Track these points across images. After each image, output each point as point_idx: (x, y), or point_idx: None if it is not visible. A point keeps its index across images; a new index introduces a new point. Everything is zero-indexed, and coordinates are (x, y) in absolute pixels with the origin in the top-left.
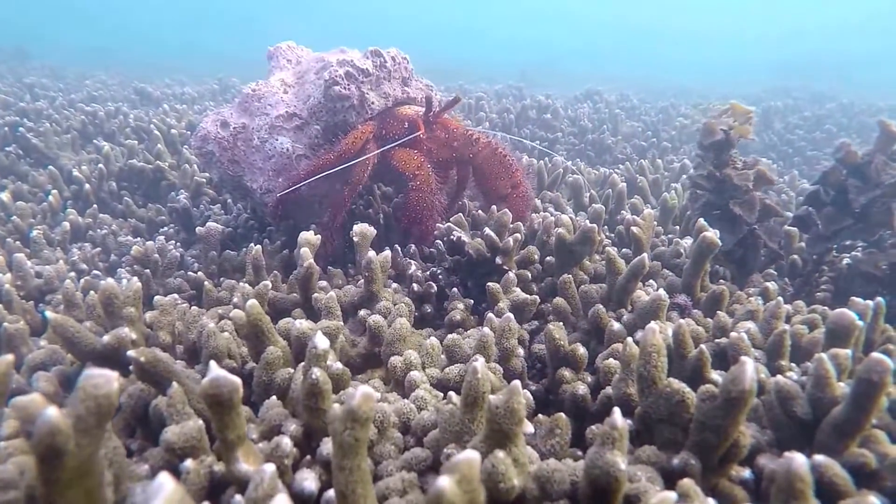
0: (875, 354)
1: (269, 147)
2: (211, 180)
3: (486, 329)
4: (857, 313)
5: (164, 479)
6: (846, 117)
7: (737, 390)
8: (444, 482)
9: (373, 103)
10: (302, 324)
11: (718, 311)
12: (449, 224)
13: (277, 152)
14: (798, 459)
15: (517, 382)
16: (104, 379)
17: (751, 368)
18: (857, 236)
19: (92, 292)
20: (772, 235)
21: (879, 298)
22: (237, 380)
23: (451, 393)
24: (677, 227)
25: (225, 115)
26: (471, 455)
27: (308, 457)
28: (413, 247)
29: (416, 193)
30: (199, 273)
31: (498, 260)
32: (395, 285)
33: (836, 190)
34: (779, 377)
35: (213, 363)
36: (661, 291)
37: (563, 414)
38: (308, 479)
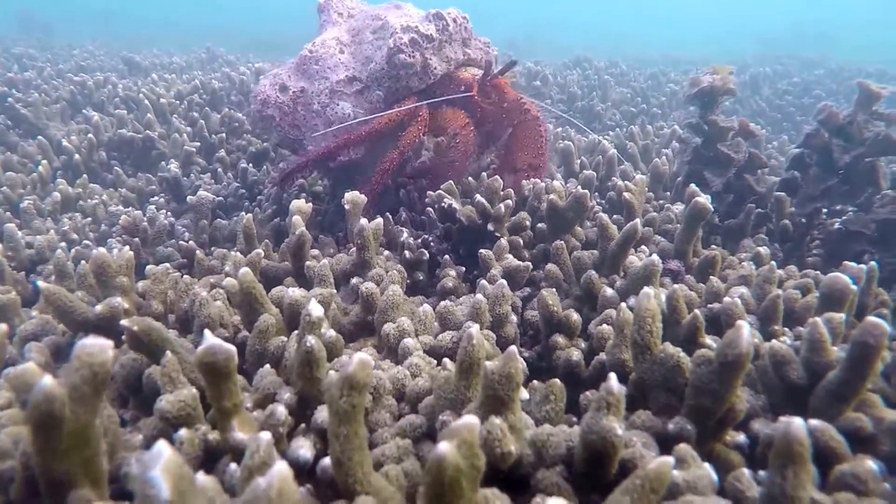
0: (872, 318)
1: (331, 112)
2: (283, 155)
3: (479, 296)
4: (851, 277)
5: (162, 446)
6: (835, 83)
7: (733, 354)
8: (445, 447)
9: (435, 69)
10: (295, 292)
11: (711, 277)
12: (440, 191)
13: (339, 117)
14: (796, 423)
15: (513, 348)
16: (99, 347)
17: (747, 331)
18: (845, 197)
19: (83, 262)
20: (758, 182)
21: (873, 262)
22: (232, 347)
23: (446, 360)
24: (668, 193)
25: (283, 77)
26: (470, 420)
27: (303, 425)
28: (405, 214)
29: (454, 151)
30: (191, 242)
31: (490, 227)
32: (386, 253)
33: (819, 152)
34: (773, 342)
35: (207, 332)
36: (655, 257)
37: (557, 380)
38: (303, 448)
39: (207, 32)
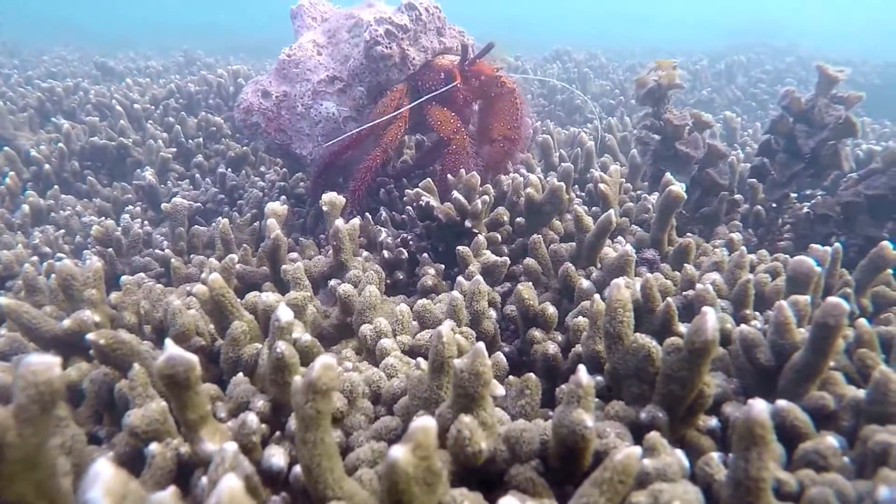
0: (831, 298)
1: (315, 113)
2: (256, 150)
3: (455, 293)
4: (815, 259)
5: (101, 466)
6: (805, 70)
7: (700, 341)
8: (397, 452)
9: (414, 59)
10: (269, 296)
11: (685, 264)
12: (417, 189)
13: (324, 117)
14: (757, 406)
15: (481, 344)
16: (45, 364)
17: (712, 318)
18: (812, 181)
19: (54, 276)
20: (721, 175)
21: (837, 244)
22: (193, 357)
23: (420, 359)
24: (645, 183)
25: (264, 83)
26: (426, 422)
27: (278, 433)
28: (384, 213)
29: (453, 157)
30: (167, 250)
31: (467, 223)
32: (365, 253)
33: (785, 137)
34: (742, 326)
35: (169, 341)
36: (628, 247)
37: (532, 374)
38: (276, 455)
39: (187, 33)
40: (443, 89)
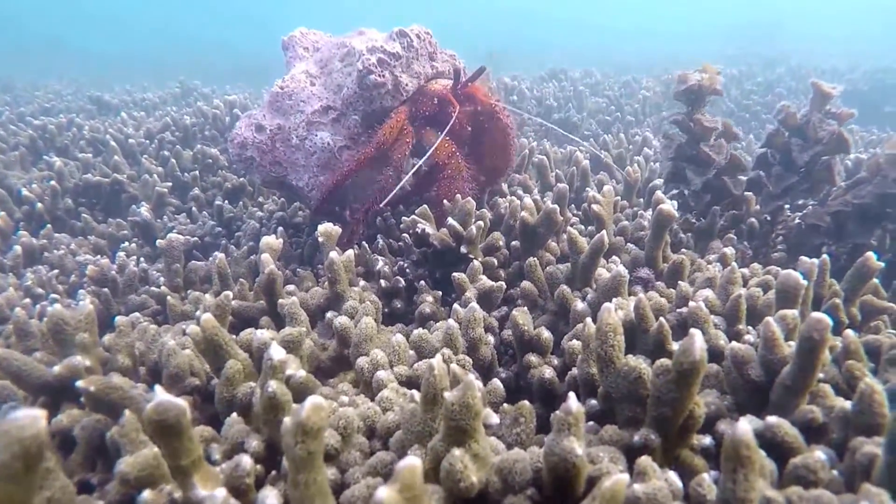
0: (815, 313)
1: (310, 144)
2: (260, 189)
3: (451, 321)
4: (805, 272)
5: None
6: (795, 80)
7: (688, 362)
8: (383, 493)
9: (406, 85)
10: (263, 334)
11: (680, 281)
12: (413, 216)
13: (319, 147)
14: (741, 427)
15: (470, 377)
16: (30, 419)
17: (700, 340)
18: (807, 195)
19: (45, 319)
20: (736, 185)
21: (825, 256)
22: (183, 403)
23: (413, 392)
24: (641, 200)
25: (258, 117)
26: (412, 462)
27: (273, 472)
28: (381, 241)
29: (448, 182)
30: (163, 288)
31: (463, 249)
32: (363, 283)
33: (781, 151)
34: (733, 343)
35: (158, 388)
36: (620, 268)
37: (526, 402)
38: (270, 497)
39: (183, 64)
40: (450, 123)
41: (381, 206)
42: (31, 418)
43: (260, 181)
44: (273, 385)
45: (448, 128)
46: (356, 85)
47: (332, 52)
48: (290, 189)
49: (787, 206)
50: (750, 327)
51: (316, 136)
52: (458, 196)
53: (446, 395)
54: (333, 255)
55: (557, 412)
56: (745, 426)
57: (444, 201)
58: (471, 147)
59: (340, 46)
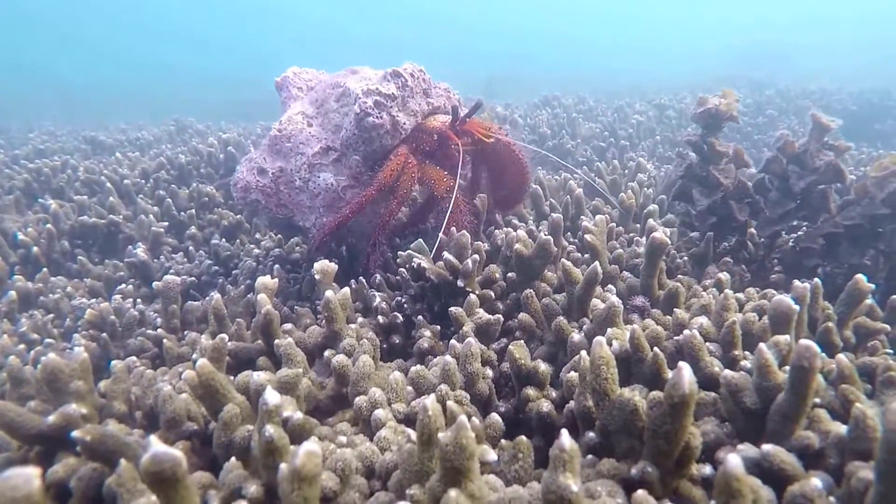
0: (803, 341)
1: (314, 185)
2: (257, 225)
3: (447, 357)
4: (798, 297)
5: None
6: (784, 101)
7: (678, 395)
8: None
9: (404, 124)
10: (259, 376)
11: (675, 309)
12: (409, 251)
13: (323, 188)
14: (731, 461)
15: (463, 417)
16: (24, 478)
17: (688, 373)
18: (803, 220)
19: (39, 367)
20: (741, 211)
21: (816, 280)
22: (178, 454)
23: (410, 431)
24: (637, 226)
25: (258, 160)
26: None
27: None
28: (378, 277)
29: (449, 216)
30: (159, 330)
31: (460, 283)
32: (361, 319)
33: (778, 177)
34: (726, 371)
35: (153, 438)
36: (614, 298)
37: (524, 438)
38: None
39: (177, 97)
40: (460, 163)
41: (380, 237)
42: (25, 478)
43: (266, 223)
44: (270, 430)
45: (454, 164)
46: (355, 127)
47: (326, 91)
48: (297, 230)
49: (784, 231)
50: (747, 352)
51: (319, 177)
52: (454, 229)
53: (440, 436)
54: (329, 293)
55: (552, 449)
56: (736, 460)
57: (441, 234)
58: (474, 178)
59: (335, 86)
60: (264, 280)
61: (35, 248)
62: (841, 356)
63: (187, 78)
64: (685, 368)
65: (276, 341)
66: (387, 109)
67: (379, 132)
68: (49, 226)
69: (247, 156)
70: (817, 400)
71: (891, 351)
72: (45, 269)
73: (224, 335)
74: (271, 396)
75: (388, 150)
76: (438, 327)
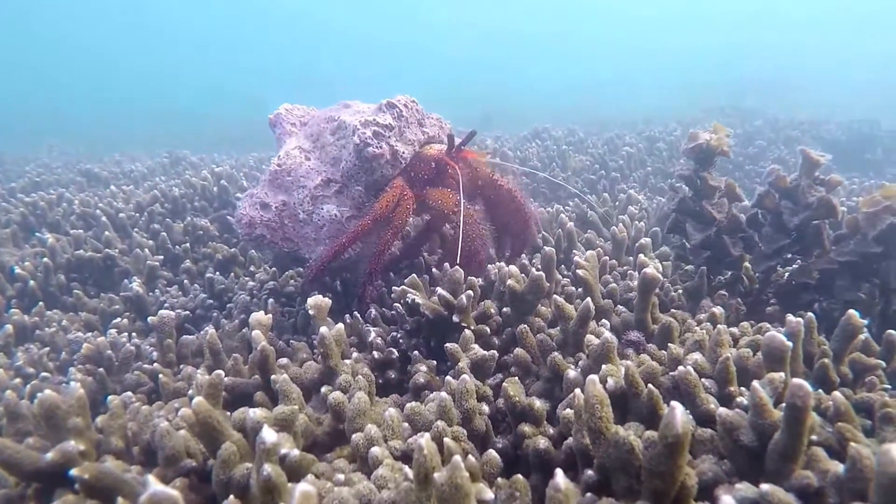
0: (795, 380)
1: (318, 217)
2: (252, 258)
3: (443, 394)
4: (791, 332)
5: None
6: (773, 132)
7: (672, 435)
8: None
9: (403, 153)
10: (256, 413)
11: (670, 344)
12: (404, 287)
13: (327, 220)
14: (727, 502)
15: (457, 458)
16: None
17: (680, 413)
18: (797, 255)
19: (36, 402)
20: (734, 246)
21: (810, 314)
22: (175, 494)
23: (407, 469)
24: (630, 258)
25: (260, 195)
26: None
27: None
28: (374, 311)
29: (461, 230)
30: (155, 365)
31: (455, 318)
32: (356, 354)
33: (771, 212)
34: (721, 410)
35: (150, 478)
36: (608, 334)
37: (520, 476)
38: None
39: (170, 130)
40: (461, 186)
41: (375, 268)
42: None
43: (272, 257)
44: (268, 468)
45: (445, 187)
46: (355, 158)
47: (321, 126)
48: (303, 262)
49: (778, 265)
50: (742, 388)
51: (322, 209)
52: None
53: (435, 476)
54: (324, 330)
55: (548, 488)
56: (728, 500)
57: (467, 249)
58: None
59: (329, 120)
60: (258, 316)
61: (32, 282)
62: (837, 393)
63: (180, 114)
64: (678, 409)
65: (273, 377)
66: (385, 139)
67: (379, 162)
68: (46, 259)
69: (247, 191)
70: (814, 437)
71: (888, 386)
72: (41, 303)
73: (220, 371)
74: (268, 435)
75: (388, 179)
76: (434, 362)
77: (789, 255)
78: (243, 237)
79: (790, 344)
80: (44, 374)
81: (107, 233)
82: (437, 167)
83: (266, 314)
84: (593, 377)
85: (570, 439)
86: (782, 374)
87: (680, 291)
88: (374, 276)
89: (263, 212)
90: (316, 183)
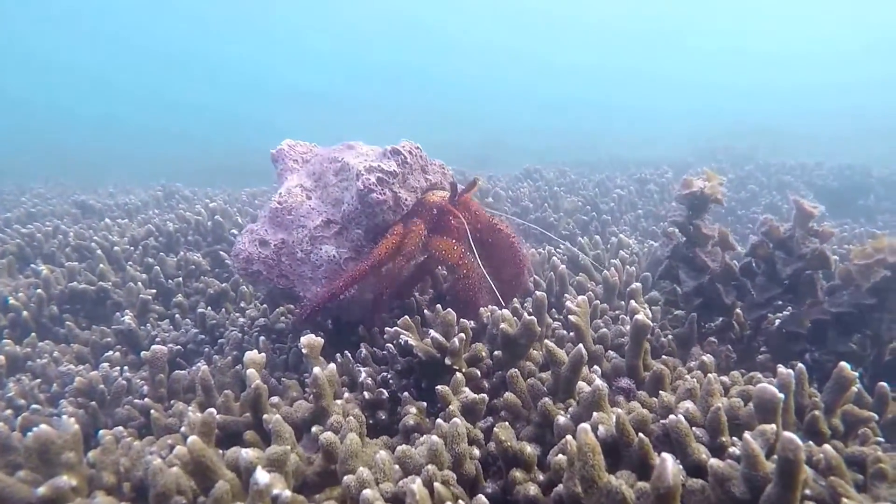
0: (786, 434)
1: (315, 257)
2: (243, 294)
3: (434, 437)
4: (783, 384)
5: None
6: (765, 176)
7: (663, 487)
8: None
9: (406, 200)
10: (249, 453)
11: (661, 392)
12: (397, 328)
13: (325, 260)
14: None
15: None
16: None
17: (670, 465)
18: (788, 304)
19: (30, 433)
20: (727, 294)
21: (801, 365)
22: None
23: None
24: (622, 303)
25: (259, 232)
26: None
27: None
28: (364, 350)
29: (465, 282)
30: (147, 400)
31: (447, 360)
32: (347, 395)
33: (765, 261)
34: (713, 461)
35: None
36: (600, 381)
37: None
38: None
39: (165, 161)
40: (468, 238)
41: (385, 293)
42: None
43: (266, 292)
44: None
45: (455, 238)
46: (357, 202)
47: (324, 165)
48: (296, 299)
49: (769, 314)
50: (734, 438)
51: (321, 249)
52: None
53: None
54: (317, 370)
55: None
56: None
57: (465, 300)
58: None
59: (333, 161)
60: (253, 355)
61: (25, 313)
62: (828, 447)
63: (174, 143)
64: (668, 460)
65: (265, 417)
66: (389, 186)
67: (382, 208)
68: (39, 290)
69: (247, 226)
70: (807, 492)
71: (881, 439)
72: (33, 334)
73: (213, 409)
74: (261, 476)
75: (389, 224)
76: (424, 404)
77: (779, 303)
78: (239, 272)
79: (782, 395)
80: (34, 405)
81: (101, 265)
82: (439, 213)
83: (260, 353)
84: (586, 426)
85: (561, 486)
86: (773, 426)
87: (670, 337)
88: (383, 303)
89: (262, 248)
90: (316, 223)
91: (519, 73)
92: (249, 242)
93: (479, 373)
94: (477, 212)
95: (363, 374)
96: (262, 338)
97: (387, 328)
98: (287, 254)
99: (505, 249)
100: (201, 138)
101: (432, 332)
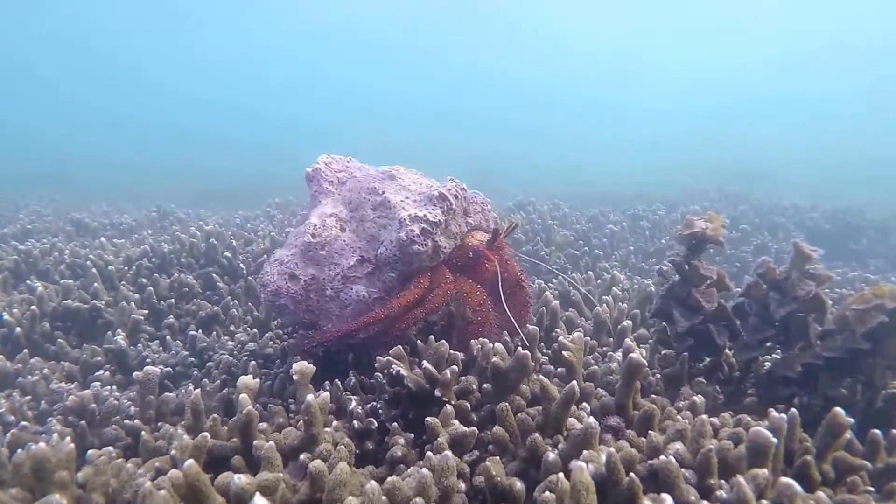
0: (783, 479)
1: (345, 296)
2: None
3: (423, 470)
4: (775, 428)
5: None
6: (758, 217)
7: None
8: None
9: (444, 248)
10: (241, 479)
11: (651, 432)
12: (388, 357)
13: (354, 300)
14: None
15: None
16: None
17: None
18: (782, 347)
19: (20, 452)
20: (720, 335)
21: (793, 410)
22: None
23: None
24: (612, 339)
25: (290, 265)
26: None
27: None
28: (353, 379)
29: (478, 328)
30: (136, 421)
31: (437, 392)
32: (335, 423)
33: (758, 303)
34: (702, 503)
35: None
36: (591, 420)
37: None
38: None
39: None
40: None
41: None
42: None
43: (289, 323)
44: None
45: (483, 280)
46: (397, 249)
47: (362, 195)
48: (309, 326)
49: (760, 357)
50: (723, 481)
51: (352, 289)
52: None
53: None
54: (310, 398)
55: None
56: None
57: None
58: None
59: (372, 193)
60: (246, 381)
61: (18, 330)
62: (821, 494)
63: (167, 165)
64: (667, 501)
65: (256, 443)
66: (431, 237)
67: (420, 256)
68: (34, 307)
69: (275, 255)
70: None
71: (871, 488)
72: (25, 351)
73: (206, 434)
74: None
75: (424, 269)
76: (412, 435)
77: (768, 345)
78: (265, 301)
79: (776, 440)
80: (23, 423)
81: (96, 284)
82: (474, 257)
83: (254, 378)
84: (581, 464)
85: None
86: (766, 471)
87: (659, 376)
88: (398, 339)
89: (291, 283)
90: (351, 263)
91: (517, 102)
92: (279, 276)
93: (468, 405)
94: (508, 261)
95: (353, 403)
96: (252, 363)
97: (378, 357)
98: (316, 290)
99: (518, 295)
100: (189, 160)
101: (424, 363)
